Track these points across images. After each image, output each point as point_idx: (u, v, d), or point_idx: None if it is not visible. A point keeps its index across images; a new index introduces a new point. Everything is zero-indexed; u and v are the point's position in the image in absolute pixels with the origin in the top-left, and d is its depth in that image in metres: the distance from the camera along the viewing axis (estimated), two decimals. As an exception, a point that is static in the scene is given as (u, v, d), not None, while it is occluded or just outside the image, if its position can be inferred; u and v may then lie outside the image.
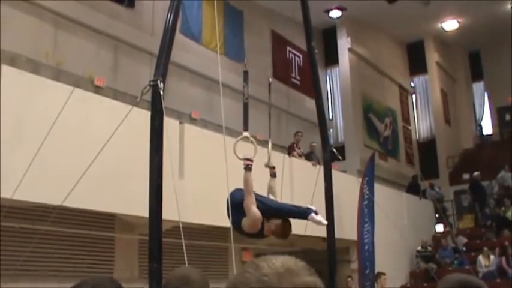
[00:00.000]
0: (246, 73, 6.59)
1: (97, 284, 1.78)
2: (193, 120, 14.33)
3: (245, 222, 5.71)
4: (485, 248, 16.23)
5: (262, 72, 18.11)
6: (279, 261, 1.20)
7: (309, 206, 6.06)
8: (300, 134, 15.42)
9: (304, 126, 17.96)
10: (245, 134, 6.33)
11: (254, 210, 5.65)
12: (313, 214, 5.92)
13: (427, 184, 21.24)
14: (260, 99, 17.37)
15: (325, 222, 6.36)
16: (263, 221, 5.73)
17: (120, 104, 8.35)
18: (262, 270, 1.18)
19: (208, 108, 15.02)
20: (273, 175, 6.54)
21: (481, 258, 16.02)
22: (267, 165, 6.48)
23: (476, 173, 20.00)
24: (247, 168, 5.76)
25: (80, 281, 1.81)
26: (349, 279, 14.48)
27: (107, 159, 6.98)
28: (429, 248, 17.63)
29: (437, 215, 20.18)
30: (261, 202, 5.81)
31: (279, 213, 5.86)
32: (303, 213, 6.00)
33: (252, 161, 5.82)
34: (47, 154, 6.92)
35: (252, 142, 6.09)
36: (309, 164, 13.54)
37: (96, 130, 7.31)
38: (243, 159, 5.83)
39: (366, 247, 13.60)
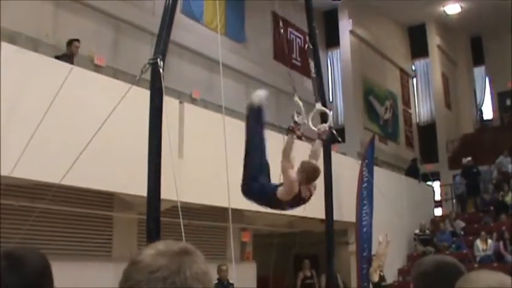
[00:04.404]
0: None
1: (11, 250, 1.67)
2: (193, 100, 14.28)
3: (282, 189, 5.68)
4: (483, 232, 16.26)
5: (263, 52, 18.08)
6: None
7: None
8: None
9: (304, 108, 17.87)
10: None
11: (290, 172, 5.68)
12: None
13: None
14: (261, 80, 17.37)
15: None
16: (299, 184, 5.71)
17: (120, 83, 8.30)
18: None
19: (208, 88, 14.97)
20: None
21: (478, 242, 16.06)
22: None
23: (468, 159, 19.97)
24: (289, 130, 5.92)
25: None
26: None
27: (106, 137, 6.97)
28: (427, 232, 17.65)
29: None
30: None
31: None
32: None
33: (297, 125, 5.99)
34: (46, 132, 6.90)
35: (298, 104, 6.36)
36: (308, 145, 13.47)
37: (96, 109, 7.28)
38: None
39: (365, 229, 13.64)
